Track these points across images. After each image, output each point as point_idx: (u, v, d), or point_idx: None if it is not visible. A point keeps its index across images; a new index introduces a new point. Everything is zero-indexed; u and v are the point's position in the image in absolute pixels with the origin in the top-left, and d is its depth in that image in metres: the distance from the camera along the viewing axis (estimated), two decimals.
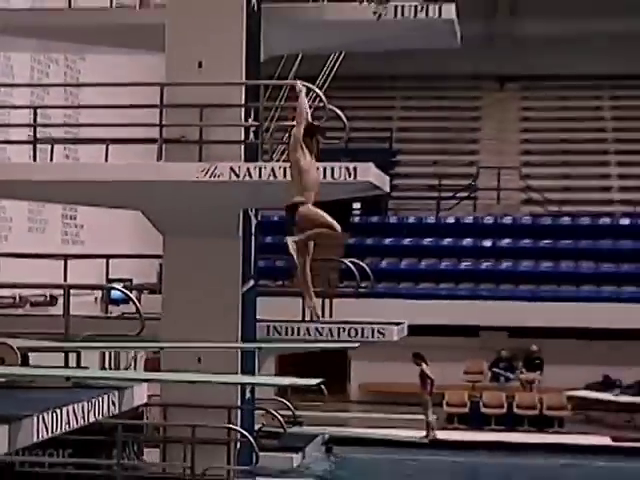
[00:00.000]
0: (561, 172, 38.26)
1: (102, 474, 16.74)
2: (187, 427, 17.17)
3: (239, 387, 18.09)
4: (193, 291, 17.66)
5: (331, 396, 23.90)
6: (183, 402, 16.91)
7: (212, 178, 16.42)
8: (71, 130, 22.54)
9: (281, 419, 20.60)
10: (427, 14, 18.30)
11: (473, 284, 33.91)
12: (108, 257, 21.15)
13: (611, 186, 38.15)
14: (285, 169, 16.54)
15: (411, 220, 36.49)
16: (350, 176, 16.25)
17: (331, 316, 22.42)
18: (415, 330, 24.01)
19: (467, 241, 35.57)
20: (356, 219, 35.85)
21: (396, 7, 18.54)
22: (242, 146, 17.49)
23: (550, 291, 33.35)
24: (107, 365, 25.07)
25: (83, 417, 10.13)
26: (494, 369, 32.04)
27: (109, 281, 20.47)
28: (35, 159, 17.62)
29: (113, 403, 10.74)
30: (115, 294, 20.57)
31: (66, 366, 11.78)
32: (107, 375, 12.36)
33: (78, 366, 12.05)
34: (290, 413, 21.24)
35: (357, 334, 20.62)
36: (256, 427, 19.45)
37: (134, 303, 13.76)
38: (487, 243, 35.43)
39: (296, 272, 13.29)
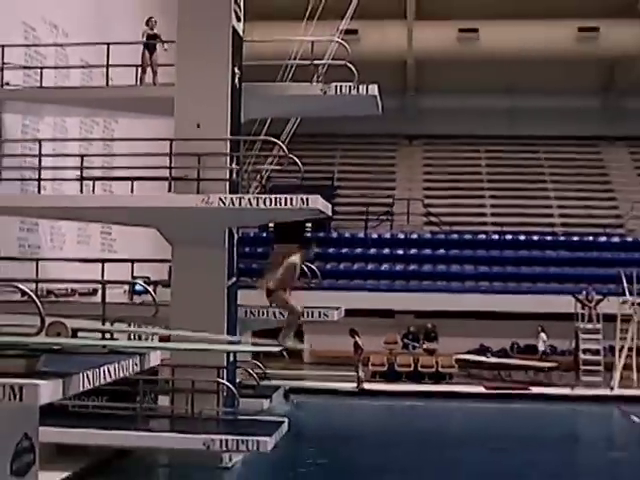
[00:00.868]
0: (451, 202, 38.37)
1: (129, 414, 16.63)
2: (188, 381, 17.10)
3: (225, 353, 18.03)
4: (193, 285, 17.59)
5: (291, 360, 23.86)
6: (186, 363, 16.82)
7: (207, 205, 16.38)
8: (107, 172, 22.41)
9: (255, 375, 20.54)
10: (358, 91, 18.34)
11: (390, 281, 33.88)
12: (133, 261, 21.04)
13: (486, 212, 38.31)
14: (258, 199, 16.58)
15: (347, 235, 36.47)
16: (304, 204, 16.26)
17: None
18: (350, 313, 24.01)
19: (386, 250, 35.59)
20: (308, 234, 35.83)
21: (337, 86, 18.59)
22: (227, 183, 17.44)
23: (443, 285, 33.40)
24: (132, 338, 24.85)
25: (115, 373, 10.05)
26: (405, 340, 32.04)
27: (134, 278, 20.37)
28: (82, 192, 17.54)
29: (135, 364, 10.66)
30: (138, 288, 20.48)
31: (103, 338, 11.71)
32: (131, 344, 12.22)
33: (112, 338, 11.98)
34: (261, 371, 21.20)
35: (309, 316, 20.60)
36: (237, 381, 19.37)
37: (151, 294, 13.71)
38: (400, 252, 35.45)
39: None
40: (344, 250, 35.43)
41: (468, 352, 31.47)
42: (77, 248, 25.04)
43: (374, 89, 18.54)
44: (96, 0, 26.48)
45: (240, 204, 16.40)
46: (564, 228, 36.81)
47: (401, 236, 36.59)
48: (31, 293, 9.60)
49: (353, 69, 18.48)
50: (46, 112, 22.65)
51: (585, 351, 29.13)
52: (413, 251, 35.53)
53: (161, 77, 19.99)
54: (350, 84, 18.44)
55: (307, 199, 16.26)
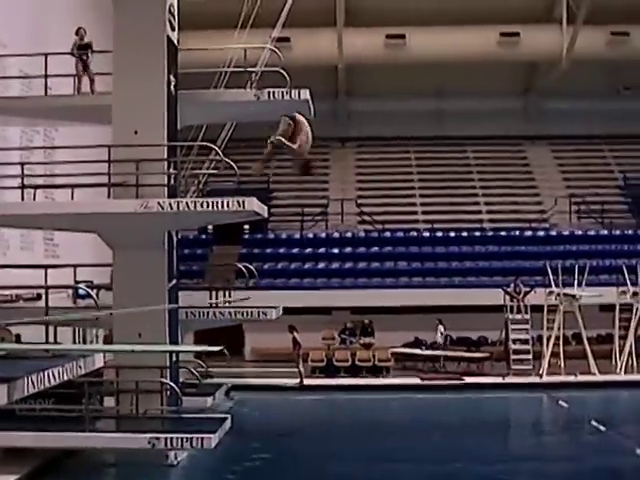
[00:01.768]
0: (383, 202, 38.48)
1: (76, 416, 16.48)
2: (133, 382, 16.99)
3: (168, 353, 17.94)
4: (134, 288, 17.45)
5: (232, 358, 23.79)
6: (130, 364, 16.71)
7: (146, 210, 16.32)
8: (48, 179, 22.13)
9: (197, 374, 20.47)
10: (291, 96, 18.37)
11: (326, 279, 33.93)
12: (75, 266, 20.82)
13: (417, 211, 38.53)
14: (195, 203, 16.54)
15: (283, 236, 36.45)
16: (241, 206, 16.30)
17: (230, 303, 22.37)
18: (288, 311, 24.09)
19: (322, 249, 35.63)
20: (246, 236, 35.74)
21: (270, 92, 18.61)
22: (165, 188, 17.36)
23: (378, 282, 33.51)
24: (77, 341, 24.63)
25: (59, 376, 9.97)
26: (342, 335, 32.10)
27: (77, 283, 20.17)
28: (23, 199, 17.34)
29: (80, 367, 10.60)
30: (81, 292, 20.28)
31: (47, 342, 11.60)
32: (75, 347, 12.16)
33: (55, 342, 11.89)
34: (204, 370, 21.12)
35: (248, 315, 20.58)
36: (180, 380, 19.29)
37: (93, 298, 13.65)
38: (335, 250, 35.52)
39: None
40: (281, 250, 35.39)
41: (404, 345, 31.65)
42: (21, 254, 24.69)
43: (306, 94, 18.58)
44: (33, 10, 26.11)
45: (178, 208, 16.37)
46: (492, 224, 37.16)
47: (336, 235, 36.66)
48: None
49: (285, 75, 18.52)
50: None
51: (515, 341, 29.45)
52: (348, 249, 35.60)
53: (100, 86, 19.81)
54: (283, 89, 18.46)
55: (243, 202, 16.29)
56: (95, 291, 17.91)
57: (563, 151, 41.79)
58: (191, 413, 17.49)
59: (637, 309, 29.14)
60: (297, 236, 36.34)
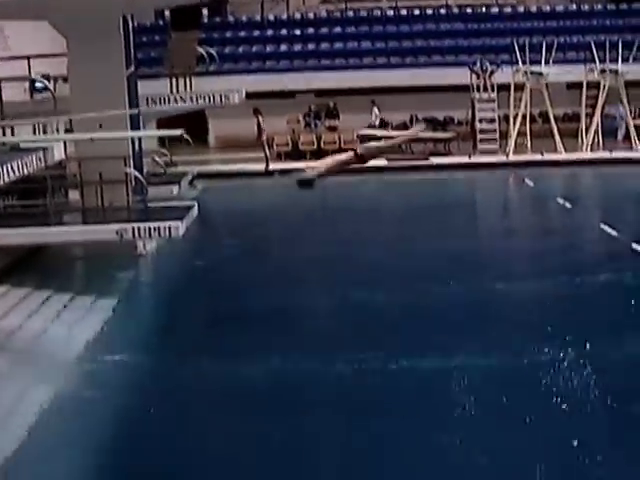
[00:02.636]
0: None
1: (40, 211, 16.33)
2: (96, 173, 16.78)
3: (130, 142, 17.71)
4: (91, 77, 16.95)
5: (196, 147, 23.62)
6: (92, 156, 16.44)
7: None
8: None
9: (162, 163, 20.34)
10: None
11: (289, 61, 33.31)
12: (29, 57, 20.23)
13: None
14: None
15: (243, 18, 35.46)
16: None
17: (191, 89, 21.93)
18: (251, 96, 23.78)
19: (284, 31, 34.81)
20: (205, 19, 34.76)
21: None
22: None
23: (341, 64, 32.97)
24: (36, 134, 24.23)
25: (19, 170, 9.76)
26: (307, 119, 31.92)
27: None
28: None
29: (39, 159, 10.36)
30: (38, 85, 19.76)
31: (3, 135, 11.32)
32: (32, 139, 11.84)
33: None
34: (168, 160, 20.99)
35: (210, 100, 20.32)
36: (145, 170, 19.16)
37: (50, 90, 13.24)
38: (297, 32, 34.72)
39: None
40: (242, 33, 34.52)
41: (368, 126, 31.47)
42: None
43: None
44: None
45: None
46: (457, 1, 36.32)
47: (298, 16, 35.73)
48: None
49: None
50: None
51: (481, 120, 29.36)
52: (310, 30, 34.79)
53: None
54: None
55: None
56: (52, 83, 17.45)
57: None
58: (157, 202, 17.41)
59: (604, 87, 28.97)
60: (258, 18, 35.36)
